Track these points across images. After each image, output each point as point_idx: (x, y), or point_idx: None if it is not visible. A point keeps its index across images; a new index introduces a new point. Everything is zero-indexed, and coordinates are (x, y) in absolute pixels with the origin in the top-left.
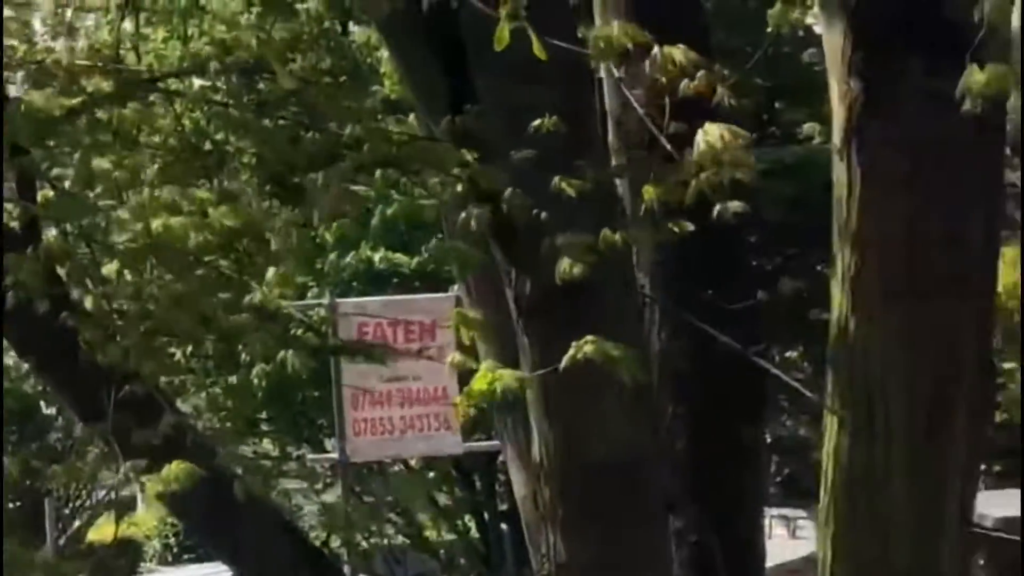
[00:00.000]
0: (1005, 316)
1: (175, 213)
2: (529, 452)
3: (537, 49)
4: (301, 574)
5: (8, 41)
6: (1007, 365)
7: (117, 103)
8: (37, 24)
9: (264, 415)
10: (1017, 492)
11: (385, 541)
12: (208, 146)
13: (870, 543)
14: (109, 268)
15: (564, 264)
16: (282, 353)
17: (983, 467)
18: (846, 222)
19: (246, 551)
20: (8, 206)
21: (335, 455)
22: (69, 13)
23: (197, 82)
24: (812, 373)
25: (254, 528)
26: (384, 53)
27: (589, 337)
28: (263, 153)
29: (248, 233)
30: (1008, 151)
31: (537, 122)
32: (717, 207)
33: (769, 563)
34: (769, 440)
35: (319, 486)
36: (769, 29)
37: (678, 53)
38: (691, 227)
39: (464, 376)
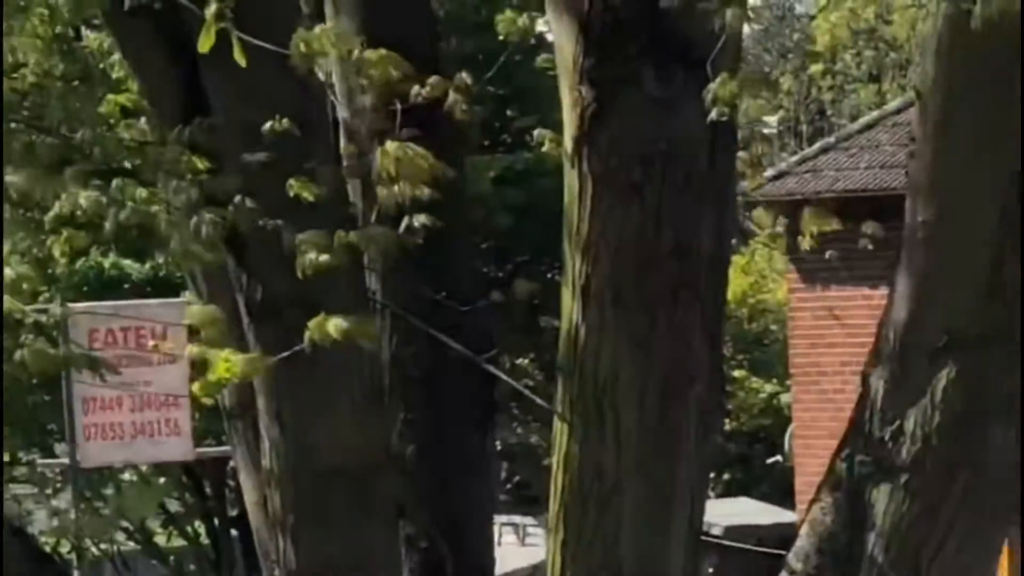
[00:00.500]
0: (734, 324)
1: None
2: (259, 458)
3: (238, 54)
4: None
5: None
6: (736, 373)
7: None
8: None
9: None
10: (744, 500)
11: (115, 547)
12: None
13: (599, 550)
14: None
15: (308, 257)
16: (19, 353)
17: (712, 475)
18: (577, 229)
19: None
20: None
21: (66, 460)
22: None
23: None
24: (543, 380)
25: None
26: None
27: (323, 315)
28: None
29: None
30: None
31: (269, 124)
32: (405, 220)
33: (499, 570)
34: (499, 447)
35: (49, 491)
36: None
37: (374, 55)
38: (425, 222)
39: (196, 378)
